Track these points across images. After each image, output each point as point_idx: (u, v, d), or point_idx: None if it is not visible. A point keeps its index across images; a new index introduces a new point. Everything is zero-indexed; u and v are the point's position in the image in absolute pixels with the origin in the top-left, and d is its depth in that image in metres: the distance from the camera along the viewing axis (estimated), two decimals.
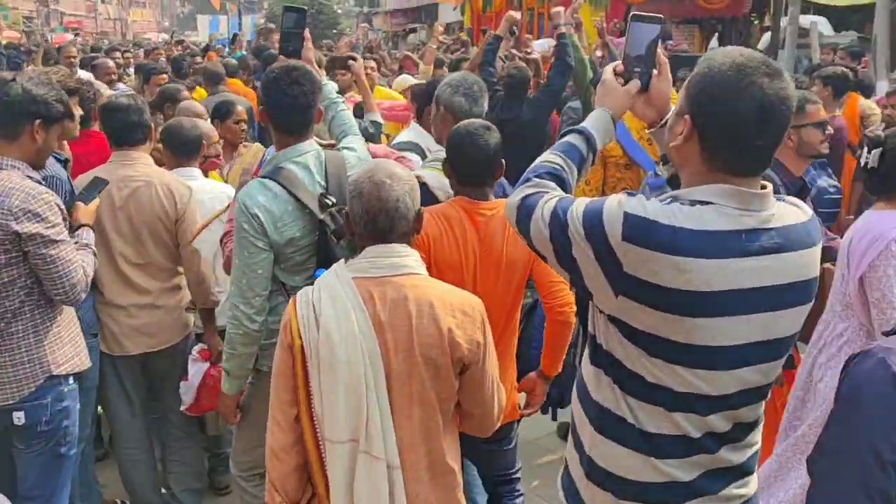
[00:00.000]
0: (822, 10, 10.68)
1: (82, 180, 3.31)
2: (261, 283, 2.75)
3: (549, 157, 1.91)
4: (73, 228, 2.95)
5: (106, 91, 5.72)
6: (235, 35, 19.53)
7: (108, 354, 3.45)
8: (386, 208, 2.10)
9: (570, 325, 2.94)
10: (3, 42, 11.47)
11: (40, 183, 2.80)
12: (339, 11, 44.24)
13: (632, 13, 2.01)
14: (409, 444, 2.11)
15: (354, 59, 4.25)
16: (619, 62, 1.96)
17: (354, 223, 2.17)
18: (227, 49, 16.63)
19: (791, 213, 1.71)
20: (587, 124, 1.94)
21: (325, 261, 2.71)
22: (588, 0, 11.69)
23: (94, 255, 2.96)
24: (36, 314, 2.77)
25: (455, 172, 2.83)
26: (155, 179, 3.41)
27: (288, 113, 2.82)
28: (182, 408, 3.49)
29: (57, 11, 50.79)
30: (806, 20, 10.23)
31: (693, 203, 1.62)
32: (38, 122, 2.76)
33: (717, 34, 14.00)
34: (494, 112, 5.21)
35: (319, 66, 5.16)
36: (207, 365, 3.45)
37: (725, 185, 1.62)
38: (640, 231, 1.59)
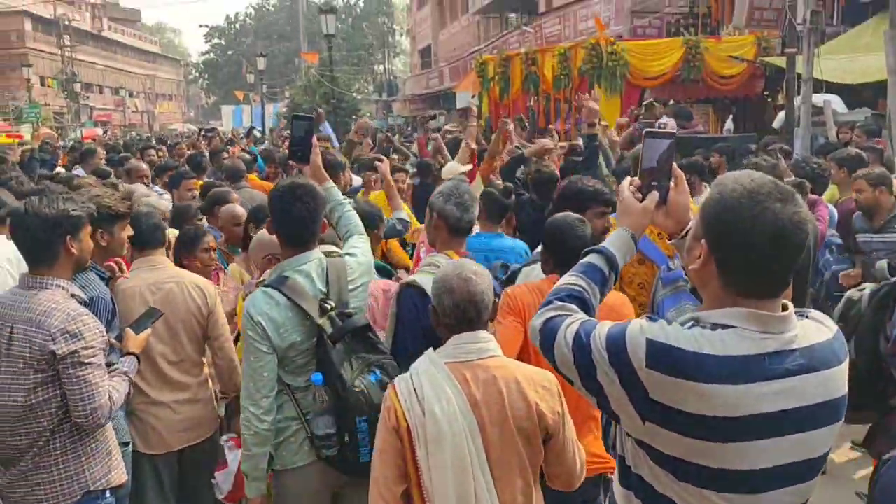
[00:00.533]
0: (834, 88, 10.75)
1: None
2: (267, 385, 2.93)
3: (571, 280, 1.94)
4: (120, 353, 3.06)
5: (142, 191, 5.90)
6: (251, 129, 20.00)
7: (147, 455, 3.53)
8: (474, 301, 2.41)
9: None
10: (39, 143, 11.81)
11: (85, 304, 2.89)
12: (359, 97, 45.33)
13: (645, 130, 2.09)
14: None
15: (381, 160, 4.44)
16: (636, 177, 2.02)
17: (443, 315, 2.44)
18: (243, 141, 16.96)
19: (815, 331, 1.70)
20: (608, 244, 1.98)
21: (320, 363, 2.90)
22: (603, 87, 11.95)
23: (131, 383, 3.00)
24: (74, 430, 2.81)
25: (551, 256, 3.18)
26: (184, 279, 3.62)
27: (292, 228, 3.02)
28: (220, 496, 3.52)
29: (87, 106, 52.42)
30: (819, 98, 10.27)
31: (714, 327, 1.63)
32: (68, 238, 2.83)
33: (731, 115, 14.15)
34: (525, 212, 5.33)
35: (339, 170, 5.32)
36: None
37: (745, 308, 1.63)
38: (663, 358, 1.61)
